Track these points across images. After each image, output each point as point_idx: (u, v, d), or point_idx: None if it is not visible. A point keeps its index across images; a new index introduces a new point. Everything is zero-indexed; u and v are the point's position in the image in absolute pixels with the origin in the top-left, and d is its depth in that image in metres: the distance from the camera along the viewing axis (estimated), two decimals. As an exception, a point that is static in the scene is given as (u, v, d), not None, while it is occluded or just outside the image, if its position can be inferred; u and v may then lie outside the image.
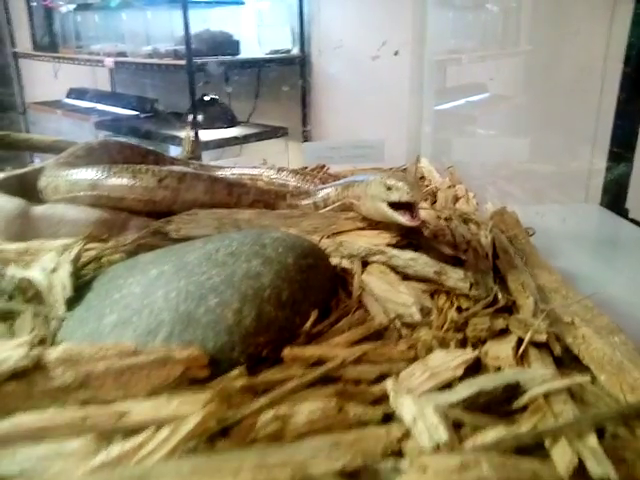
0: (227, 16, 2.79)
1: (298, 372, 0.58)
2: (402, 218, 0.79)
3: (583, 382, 0.55)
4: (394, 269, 0.77)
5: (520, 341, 0.63)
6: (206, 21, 2.71)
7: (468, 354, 0.60)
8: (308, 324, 0.64)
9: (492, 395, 0.52)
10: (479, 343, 0.64)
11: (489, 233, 0.88)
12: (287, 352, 0.59)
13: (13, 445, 0.48)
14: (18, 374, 0.52)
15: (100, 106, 3.12)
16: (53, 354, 0.54)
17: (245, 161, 1.60)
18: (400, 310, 0.69)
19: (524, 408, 0.53)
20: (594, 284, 0.86)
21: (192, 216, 0.86)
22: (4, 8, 3.39)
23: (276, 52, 2.61)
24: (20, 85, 3.54)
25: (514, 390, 0.53)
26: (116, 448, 0.47)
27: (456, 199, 1.10)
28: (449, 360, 0.59)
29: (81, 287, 0.72)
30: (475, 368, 0.60)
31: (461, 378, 0.57)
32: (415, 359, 0.61)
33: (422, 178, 1.29)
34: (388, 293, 0.72)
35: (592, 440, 0.46)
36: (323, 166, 1.28)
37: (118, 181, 0.85)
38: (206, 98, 2.67)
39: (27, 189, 0.94)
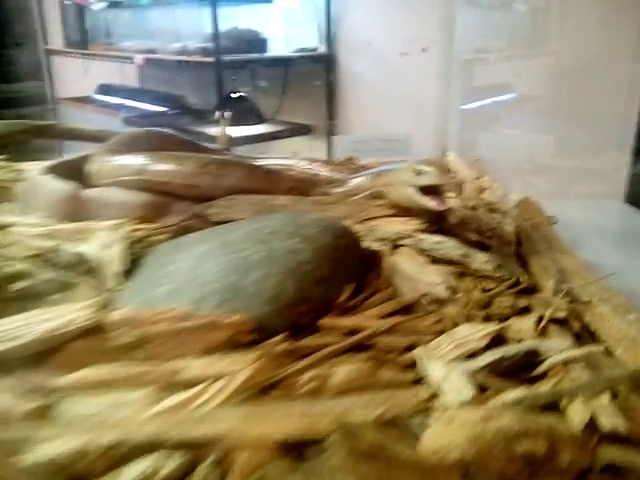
0: (255, 14, 2.83)
1: (334, 340, 0.63)
2: (430, 202, 0.84)
3: (598, 351, 0.59)
4: (422, 252, 0.82)
5: (541, 318, 0.67)
6: (234, 19, 2.75)
7: (492, 327, 0.64)
8: (343, 297, 0.69)
9: (514, 360, 0.57)
10: (502, 319, 0.69)
11: (513, 221, 0.92)
12: (324, 321, 0.65)
13: (82, 394, 0.55)
14: (85, 333, 0.58)
15: (129, 102, 3.17)
16: (115, 316, 0.60)
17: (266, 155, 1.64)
18: (428, 288, 0.74)
19: (543, 375, 0.58)
20: (617, 275, 0.88)
21: (231, 201, 0.92)
22: (38, 7, 3.48)
23: (303, 50, 2.64)
24: (51, 81, 3.64)
25: (534, 357, 0.58)
26: (175, 398, 0.53)
27: (482, 190, 1.14)
28: (474, 332, 0.64)
29: (131, 263, 0.78)
30: (498, 342, 0.65)
31: (485, 349, 0.62)
32: (442, 332, 0.66)
33: (449, 171, 1.32)
34: (417, 273, 0.76)
35: (605, 399, 0.50)
36: (353, 158, 1.33)
37: (164, 167, 0.91)
38: (233, 95, 2.71)
39: (75, 174, 1.01)
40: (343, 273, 0.72)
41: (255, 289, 0.64)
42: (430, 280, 0.75)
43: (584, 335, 0.66)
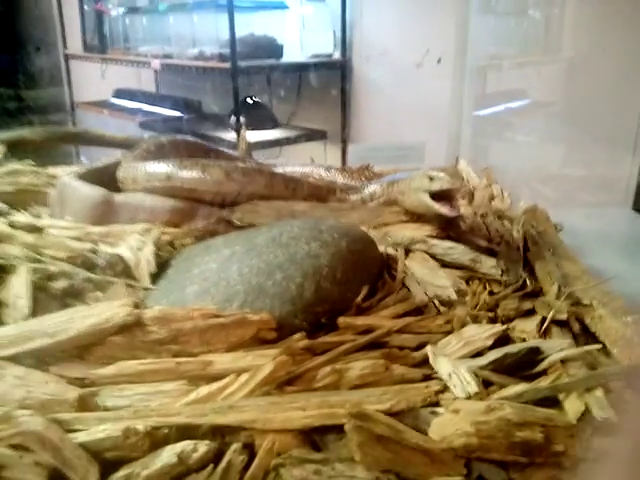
0: (271, 20, 2.87)
1: (351, 338, 0.68)
2: (442, 208, 0.88)
3: (595, 351, 0.64)
4: (434, 257, 0.87)
5: (544, 320, 0.72)
6: (250, 25, 2.77)
7: (498, 328, 0.69)
8: (359, 298, 0.74)
9: (516, 357, 0.62)
10: (508, 321, 0.74)
11: (521, 228, 0.97)
12: (341, 320, 0.70)
13: (121, 385, 0.60)
14: (123, 329, 0.64)
15: (145, 106, 3.20)
16: (149, 313, 0.65)
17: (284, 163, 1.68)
18: (438, 291, 0.79)
19: (544, 372, 0.62)
20: (621, 281, 0.92)
21: (253, 206, 0.97)
22: (59, 12, 3.55)
23: (318, 56, 2.68)
24: (69, 85, 3.70)
25: (536, 355, 0.63)
26: (205, 389, 0.59)
27: (492, 198, 1.19)
28: (481, 332, 0.69)
29: (161, 265, 0.84)
30: (503, 341, 0.70)
31: (490, 348, 0.67)
32: (451, 332, 0.71)
33: (462, 178, 1.37)
34: (428, 276, 0.81)
35: (598, 393, 0.55)
36: (368, 165, 1.37)
37: (191, 174, 0.96)
38: (249, 100, 2.75)
39: (105, 181, 1.06)
40: (359, 276, 0.77)
41: (277, 290, 0.70)
42: (440, 283, 0.80)
43: (583, 337, 0.71)
